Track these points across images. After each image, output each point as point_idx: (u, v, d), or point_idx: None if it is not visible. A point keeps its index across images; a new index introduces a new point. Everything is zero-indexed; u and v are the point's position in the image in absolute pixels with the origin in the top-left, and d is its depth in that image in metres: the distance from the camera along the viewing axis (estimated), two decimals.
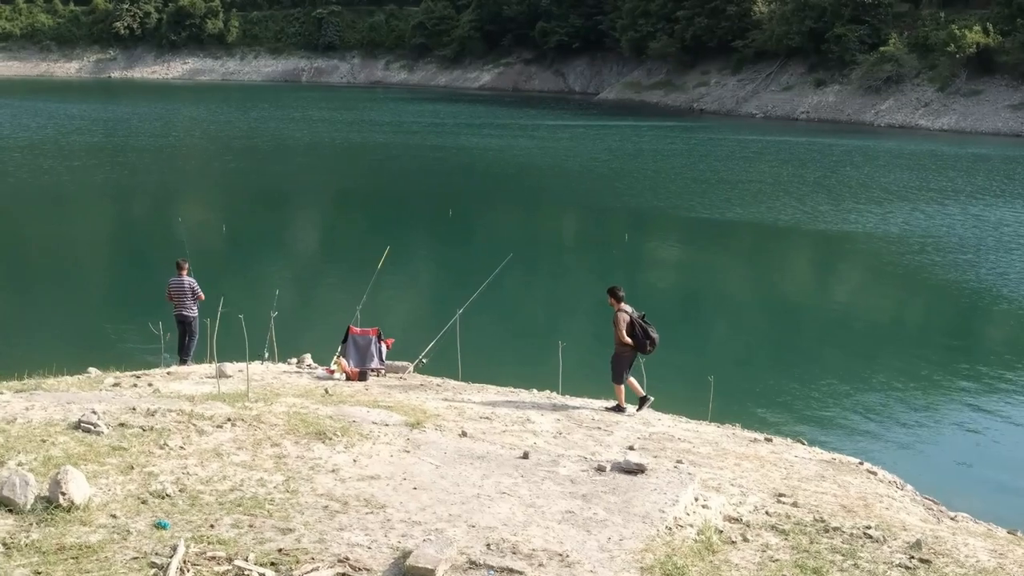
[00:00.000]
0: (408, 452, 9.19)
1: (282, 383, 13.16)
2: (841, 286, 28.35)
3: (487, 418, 11.52)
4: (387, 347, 14.53)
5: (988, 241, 31.64)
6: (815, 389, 17.72)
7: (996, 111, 70.13)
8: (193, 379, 13.23)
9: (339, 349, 14.46)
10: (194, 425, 9.17)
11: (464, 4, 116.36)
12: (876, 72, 76.59)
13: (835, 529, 8.40)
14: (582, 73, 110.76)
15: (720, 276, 28.65)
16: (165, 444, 8.65)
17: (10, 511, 7.07)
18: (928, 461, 14.61)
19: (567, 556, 7.14)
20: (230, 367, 13.43)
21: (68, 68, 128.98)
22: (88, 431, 8.74)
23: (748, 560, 7.66)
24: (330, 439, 9.20)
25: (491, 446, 9.77)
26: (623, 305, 12.60)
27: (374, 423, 10.04)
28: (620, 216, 36.23)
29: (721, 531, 8.18)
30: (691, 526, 8.07)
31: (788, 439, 12.59)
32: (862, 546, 8.05)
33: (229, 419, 9.43)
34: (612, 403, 12.94)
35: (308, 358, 15.41)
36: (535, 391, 13.83)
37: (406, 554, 6.89)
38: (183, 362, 15.74)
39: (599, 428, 11.70)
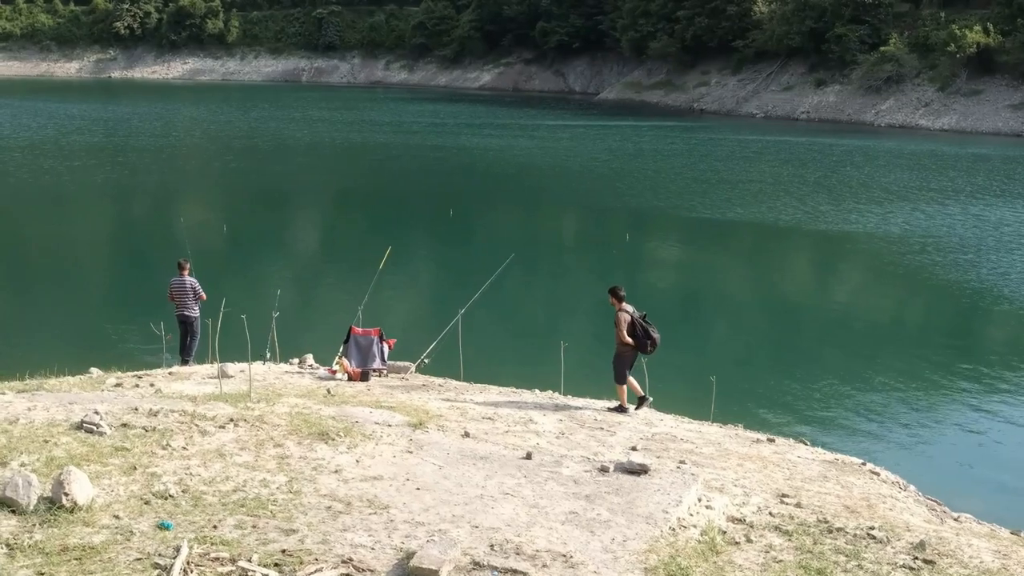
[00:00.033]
0: (411, 453, 9.18)
1: (284, 383, 13.15)
2: (842, 286, 28.34)
3: (489, 418, 11.51)
4: (389, 347, 14.51)
5: (989, 241, 31.63)
6: (816, 389, 17.71)
7: (996, 111, 70.12)
8: (195, 379, 13.22)
9: (341, 349, 14.45)
10: (196, 426, 9.16)
11: (464, 4, 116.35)
12: (876, 72, 76.59)
13: (839, 530, 8.39)
14: (582, 73, 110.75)
15: (721, 276, 28.64)
16: (168, 445, 8.64)
17: (13, 512, 7.06)
18: (930, 462, 14.60)
19: (571, 557, 7.13)
20: (232, 367, 13.43)
21: (68, 68, 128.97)
22: (91, 431, 8.73)
23: (752, 561, 7.65)
24: (333, 440, 9.19)
25: (494, 447, 9.77)
26: (624, 305, 12.59)
27: (377, 423, 10.03)
28: (621, 216, 36.21)
29: (725, 532, 8.17)
30: (695, 527, 8.06)
31: (790, 439, 12.59)
32: (866, 547, 8.04)
33: (232, 419, 9.42)
34: (614, 403, 12.93)
35: (310, 358, 15.41)
36: (537, 391, 13.82)
37: (410, 555, 6.88)
38: (185, 362, 15.73)
39: (601, 428, 11.69)
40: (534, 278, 26.58)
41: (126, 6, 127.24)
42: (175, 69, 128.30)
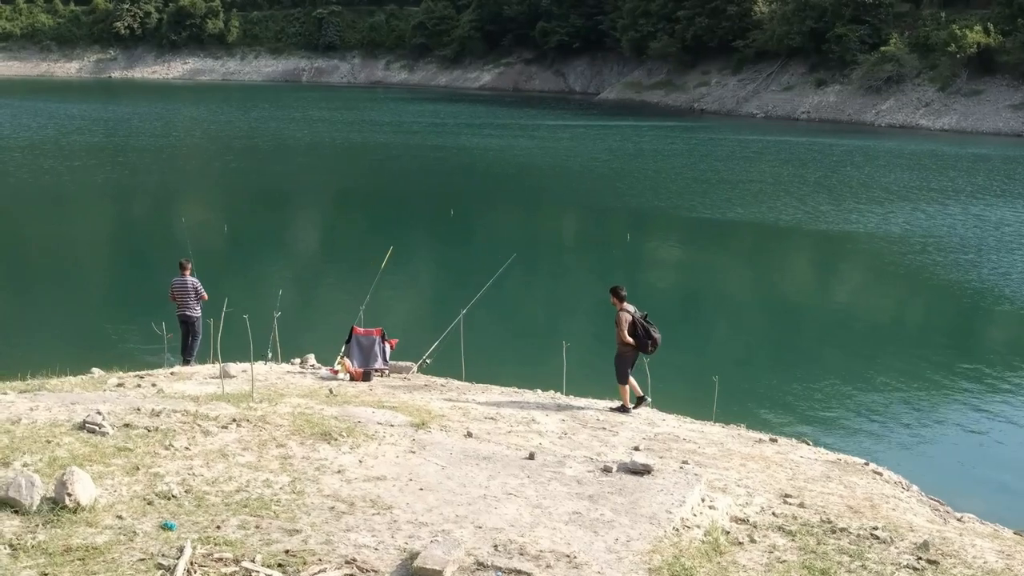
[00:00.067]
0: (414, 453, 9.17)
1: (286, 383, 13.14)
2: (843, 286, 28.33)
3: (492, 419, 11.51)
4: (391, 347, 14.50)
5: (989, 241, 31.63)
6: (818, 389, 17.70)
7: (997, 111, 70.12)
8: (197, 379, 13.21)
9: (343, 349, 14.44)
10: (199, 426, 9.16)
11: (464, 4, 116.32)
12: (877, 72, 76.57)
13: (842, 530, 8.38)
14: (582, 73, 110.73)
15: (722, 276, 28.64)
16: (170, 445, 8.63)
17: (16, 512, 7.05)
18: (932, 462, 14.59)
19: (575, 557, 7.12)
20: (233, 367, 13.43)
21: (68, 68, 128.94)
22: (93, 432, 8.72)
23: (755, 561, 7.65)
24: (335, 440, 9.18)
25: (496, 447, 9.75)
26: (625, 305, 12.58)
27: (379, 424, 10.02)
28: (621, 216, 36.21)
29: (728, 532, 8.16)
30: (698, 527, 8.05)
31: (793, 439, 12.58)
32: (869, 547, 8.03)
33: (234, 420, 9.41)
34: (617, 403, 12.92)
35: (311, 358, 15.40)
36: (539, 391, 13.81)
37: (413, 555, 6.88)
38: (186, 362, 15.72)
39: (604, 429, 11.68)
40: (535, 278, 26.58)
41: (126, 6, 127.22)
42: (175, 69, 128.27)
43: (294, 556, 6.82)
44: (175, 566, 6.49)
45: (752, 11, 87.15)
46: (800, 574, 7.44)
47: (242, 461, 8.48)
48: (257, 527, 7.21)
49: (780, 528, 8.37)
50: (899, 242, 31.26)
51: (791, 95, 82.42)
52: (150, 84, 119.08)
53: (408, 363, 14.91)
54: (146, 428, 8.94)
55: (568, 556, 7.12)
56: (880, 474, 11.27)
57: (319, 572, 6.68)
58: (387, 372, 14.45)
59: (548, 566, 6.96)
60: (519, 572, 6.84)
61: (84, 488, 7.26)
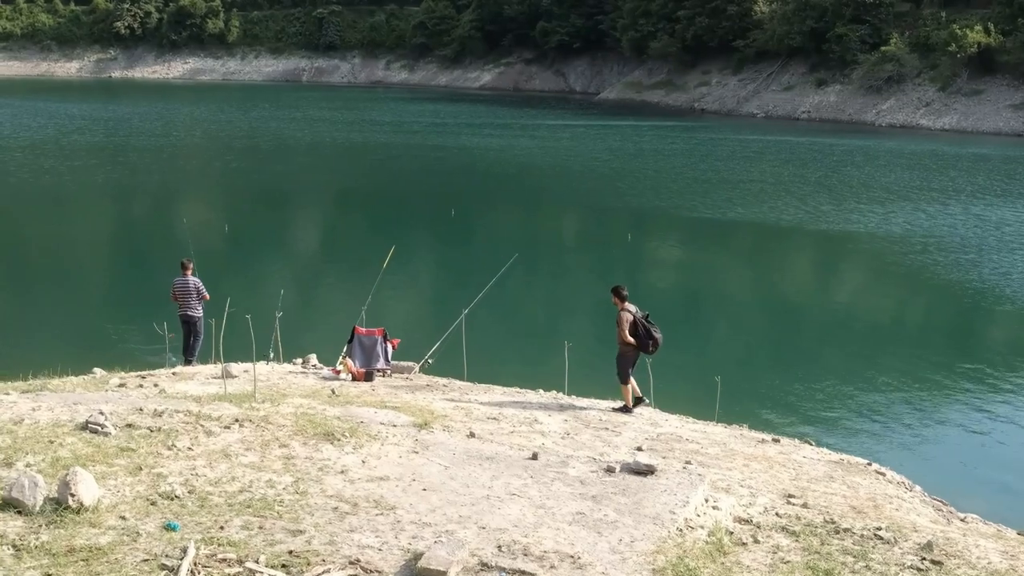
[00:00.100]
0: (417, 453, 9.16)
1: (288, 383, 13.13)
2: (844, 286, 28.32)
3: (494, 419, 11.50)
4: (393, 347, 14.49)
5: (990, 241, 31.62)
6: (820, 390, 17.70)
7: (997, 111, 70.10)
8: (199, 379, 13.20)
9: (345, 349, 14.43)
10: (202, 426, 9.15)
11: (465, 4, 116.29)
12: (877, 72, 76.56)
13: (846, 530, 8.37)
14: (583, 73, 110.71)
15: (723, 276, 28.63)
16: (173, 445, 8.63)
17: (19, 512, 7.04)
18: (934, 462, 14.58)
19: (579, 558, 7.11)
20: (235, 367, 13.42)
21: (69, 68, 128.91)
22: (95, 432, 8.71)
23: (759, 562, 7.64)
24: (338, 440, 9.17)
25: (499, 447, 9.74)
26: (627, 304, 12.57)
27: (382, 424, 10.01)
28: (622, 216, 36.20)
29: (732, 532, 8.15)
30: (702, 527, 8.04)
31: (795, 440, 12.57)
32: (873, 547, 8.02)
33: (237, 420, 9.40)
34: (619, 403, 12.91)
35: (313, 358, 15.38)
36: (541, 391, 13.79)
37: (417, 556, 6.86)
38: (188, 362, 15.71)
39: (607, 429, 11.67)
40: (537, 278, 26.56)
41: (126, 6, 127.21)
42: (175, 69, 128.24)
43: (298, 557, 6.81)
44: (179, 567, 6.48)
45: (752, 11, 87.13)
46: (804, 575, 7.43)
47: (245, 461, 8.47)
48: (260, 527, 7.20)
49: (784, 529, 8.36)
50: (900, 242, 31.26)
51: (791, 95, 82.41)
52: (150, 84, 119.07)
53: (410, 363, 14.90)
54: (149, 428, 8.94)
55: (572, 557, 7.11)
56: (883, 474, 11.27)
57: (323, 573, 6.67)
58: (389, 372, 14.44)
59: (552, 567, 6.94)
60: (523, 573, 6.83)
61: (87, 488, 7.25)
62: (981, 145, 60.90)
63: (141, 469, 8.03)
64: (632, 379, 12.78)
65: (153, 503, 7.47)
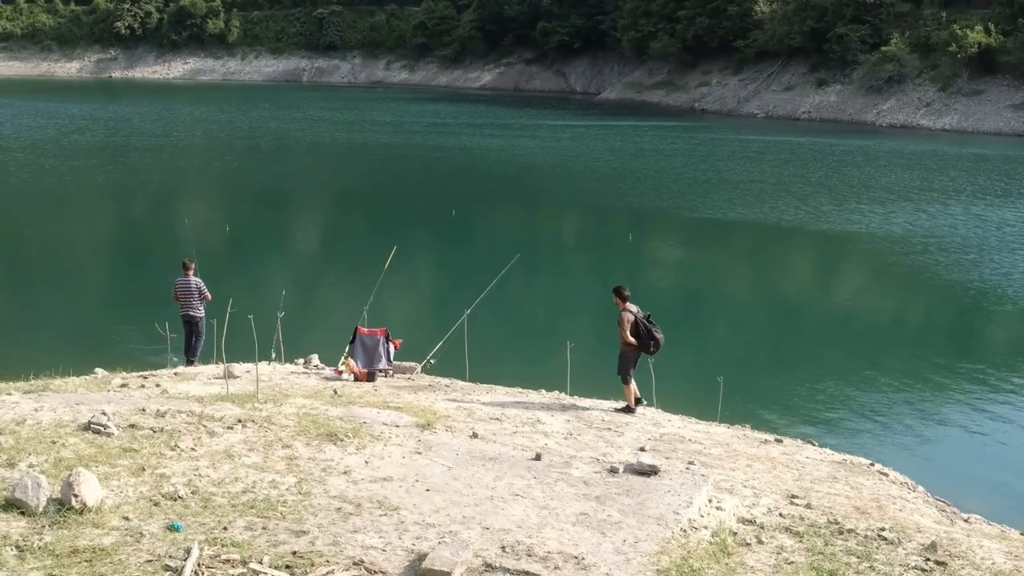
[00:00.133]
0: (420, 454, 9.15)
1: (290, 384, 13.12)
2: (845, 286, 28.31)
3: (497, 419, 11.49)
4: (395, 347, 14.47)
5: (991, 241, 31.61)
6: (822, 390, 17.69)
7: (998, 111, 70.08)
8: (201, 380, 13.19)
9: (347, 350, 14.41)
10: (204, 426, 9.14)
11: (465, 4, 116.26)
12: (878, 72, 76.54)
13: (849, 531, 8.36)
14: (583, 73, 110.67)
15: (725, 276, 28.62)
16: (176, 446, 8.62)
17: (22, 513, 7.03)
18: (936, 462, 14.56)
19: (583, 559, 7.10)
20: (237, 368, 13.40)
21: (69, 68, 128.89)
22: (98, 432, 8.70)
23: (763, 562, 7.63)
24: (341, 441, 9.16)
25: (502, 447, 9.73)
26: (628, 305, 12.57)
27: (385, 424, 10.00)
28: (623, 216, 36.19)
29: (735, 533, 8.14)
30: (705, 528, 8.04)
31: (798, 440, 12.56)
32: (877, 548, 8.01)
33: (239, 420, 9.39)
34: (621, 404, 12.90)
35: (315, 358, 15.37)
36: (543, 392, 13.78)
37: (421, 557, 6.85)
38: (190, 363, 15.70)
39: (609, 429, 11.66)
40: (538, 278, 26.55)
41: (127, 6, 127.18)
42: (176, 69, 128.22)
43: (301, 557, 6.80)
44: (182, 567, 6.47)
45: (753, 11, 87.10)
46: (808, 575, 7.42)
47: (248, 462, 8.46)
48: (264, 528, 7.19)
49: (787, 529, 8.35)
50: (901, 242, 31.25)
51: (792, 95, 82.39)
52: (150, 84, 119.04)
53: (412, 363, 14.89)
54: (151, 429, 8.93)
55: (576, 557, 7.10)
56: (886, 475, 11.25)
57: (327, 574, 6.65)
58: (391, 372, 14.43)
59: (556, 567, 6.93)
60: (527, 573, 6.81)
61: (90, 489, 7.24)
62: (982, 145, 60.89)
63: (144, 470, 8.02)
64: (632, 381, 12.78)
65: (156, 504, 7.46)
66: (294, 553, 6.84)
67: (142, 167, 46.60)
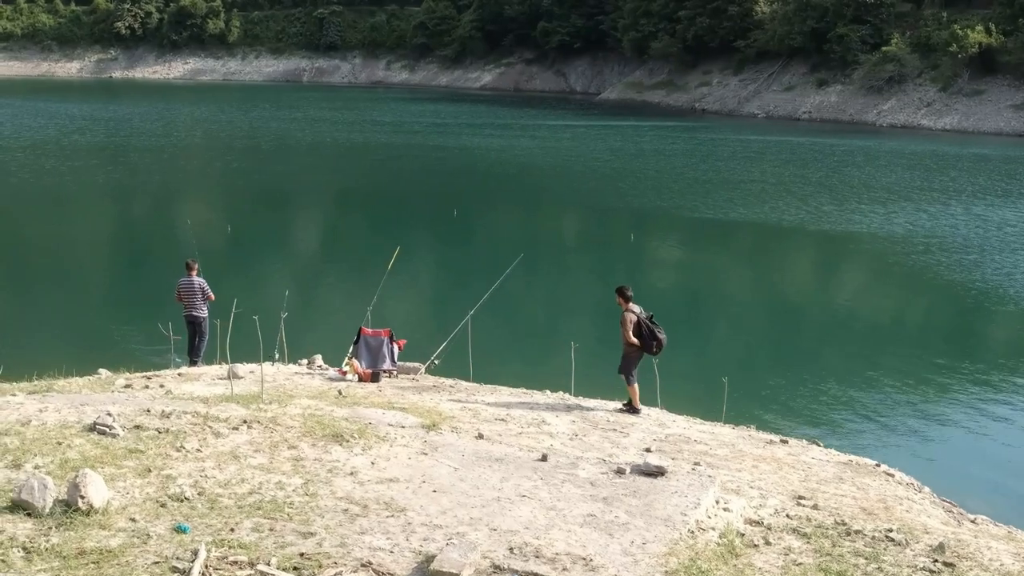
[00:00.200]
0: (426, 454, 9.12)
1: (295, 384, 13.10)
2: (847, 287, 28.29)
3: (502, 420, 11.46)
4: (399, 348, 14.45)
5: (992, 241, 31.60)
6: (827, 391, 17.66)
7: (998, 111, 70.08)
8: (205, 380, 13.17)
9: (351, 350, 14.38)
10: (210, 427, 9.11)
11: (465, 4, 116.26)
12: (878, 72, 76.53)
13: (857, 532, 8.34)
14: (583, 73, 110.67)
15: (726, 276, 28.60)
16: (181, 446, 8.59)
17: (29, 515, 7.00)
18: (942, 463, 14.54)
19: (591, 560, 7.08)
20: (241, 368, 13.37)
21: (69, 68, 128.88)
22: (103, 433, 8.68)
23: (771, 564, 7.60)
24: (347, 441, 9.13)
25: (508, 448, 9.71)
26: (631, 305, 12.55)
27: (390, 425, 9.98)
28: (624, 216, 36.18)
29: (743, 534, 8.12)
30: (713, 529, 8.01)
31: (803, 441, 12.54)
32: (885, 549, 7.99)
33: (245, 421, 9.36)
34: (625, 403, 12.87)
35: (319, 359, 15.33)
36: (548, 392, 13.75)
37: (429, 558, 6.83)
38: (193, 363, 15.67)
39: (615, 430, 11.64)
40: (540, 278, 26.52)
41: (127, 6, 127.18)
42: (176, 69, 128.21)
43: (309, 559, 6.77)
44: (190, 569, 6.45)
45: (753, 11, 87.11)
46: None
47: (254, 463, 8.44)
48: (271, 529, 7.16)
49: (795, 530, 8.33)
50: (902, 242, 31.24)
51: (792, 95, 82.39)
52: (151, 84, 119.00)
53: (416, 364, 14.86)
54: (157, 430, 8.90)
55: (584, 559, 7.08)
56: (892, 475, 11.23)
57: (334, 575, 6.63)
58: (395, 373, 14.40)
59: (564, 569, 6.91)
60: (536, 575, 6.79)
61: (96, 490, 7.21)
62: (982, 145, 60.88)
63: (150, 471, 8.00)
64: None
65: (163, 505, 7.44)
66: (302, 555, 6.82)
67: (142, 167, 46.57)
